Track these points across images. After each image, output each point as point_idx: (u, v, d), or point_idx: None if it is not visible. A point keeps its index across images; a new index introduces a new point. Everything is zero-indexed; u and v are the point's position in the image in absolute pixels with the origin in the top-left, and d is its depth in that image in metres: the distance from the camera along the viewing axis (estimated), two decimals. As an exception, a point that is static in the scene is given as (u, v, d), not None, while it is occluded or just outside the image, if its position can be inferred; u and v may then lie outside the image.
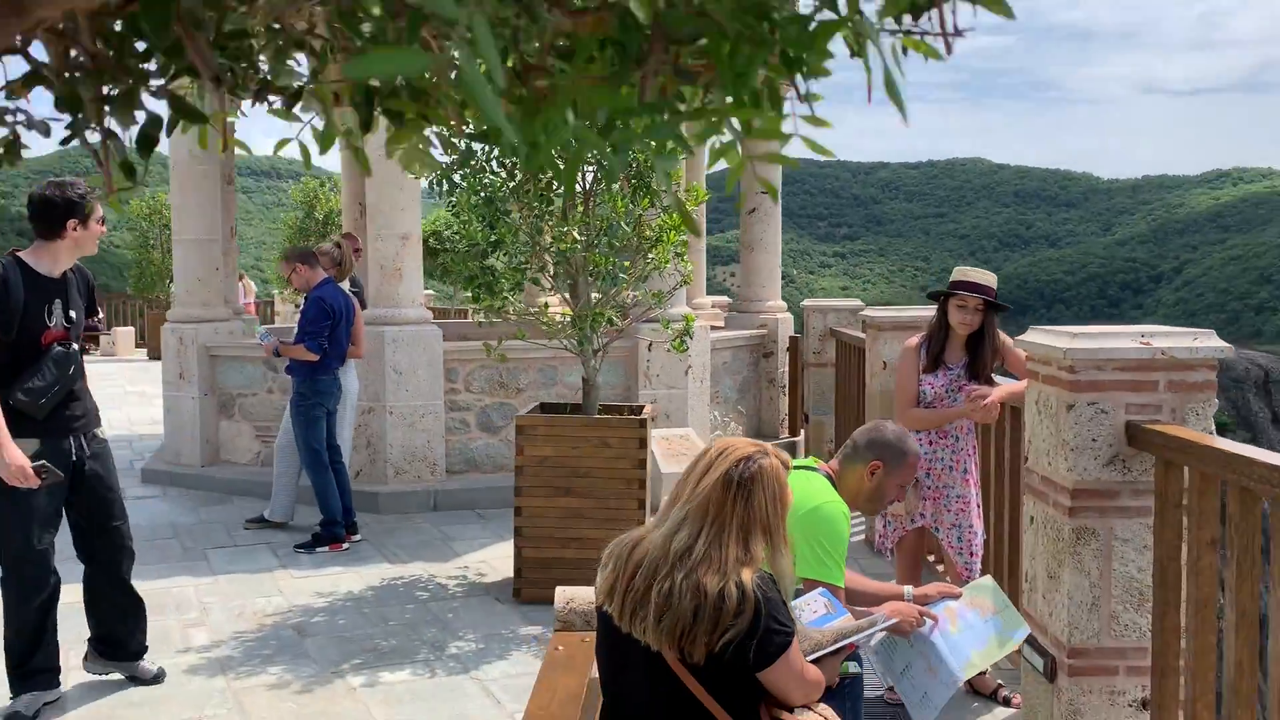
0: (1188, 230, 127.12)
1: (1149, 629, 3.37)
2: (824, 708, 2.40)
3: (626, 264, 5.25)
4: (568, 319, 5.47)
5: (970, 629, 3.04)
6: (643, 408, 5.80)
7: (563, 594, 3.61)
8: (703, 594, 2.18)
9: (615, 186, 5.10)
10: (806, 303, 9.46)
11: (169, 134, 1.03)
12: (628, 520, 5.35)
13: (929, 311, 6.68)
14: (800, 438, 9.55)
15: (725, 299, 13.62)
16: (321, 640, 4.84)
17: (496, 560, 6.18)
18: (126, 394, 13.70)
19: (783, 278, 10.58)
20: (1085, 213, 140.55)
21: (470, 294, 5.25)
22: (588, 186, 5.38)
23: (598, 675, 2.57)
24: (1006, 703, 4.11)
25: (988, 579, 3.18)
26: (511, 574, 5.84)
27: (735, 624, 2.17)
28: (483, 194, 5.10)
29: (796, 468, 3.39)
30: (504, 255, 5.07)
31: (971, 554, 4.19)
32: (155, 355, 15.85)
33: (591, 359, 5.53)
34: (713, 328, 9.13)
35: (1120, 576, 3.40)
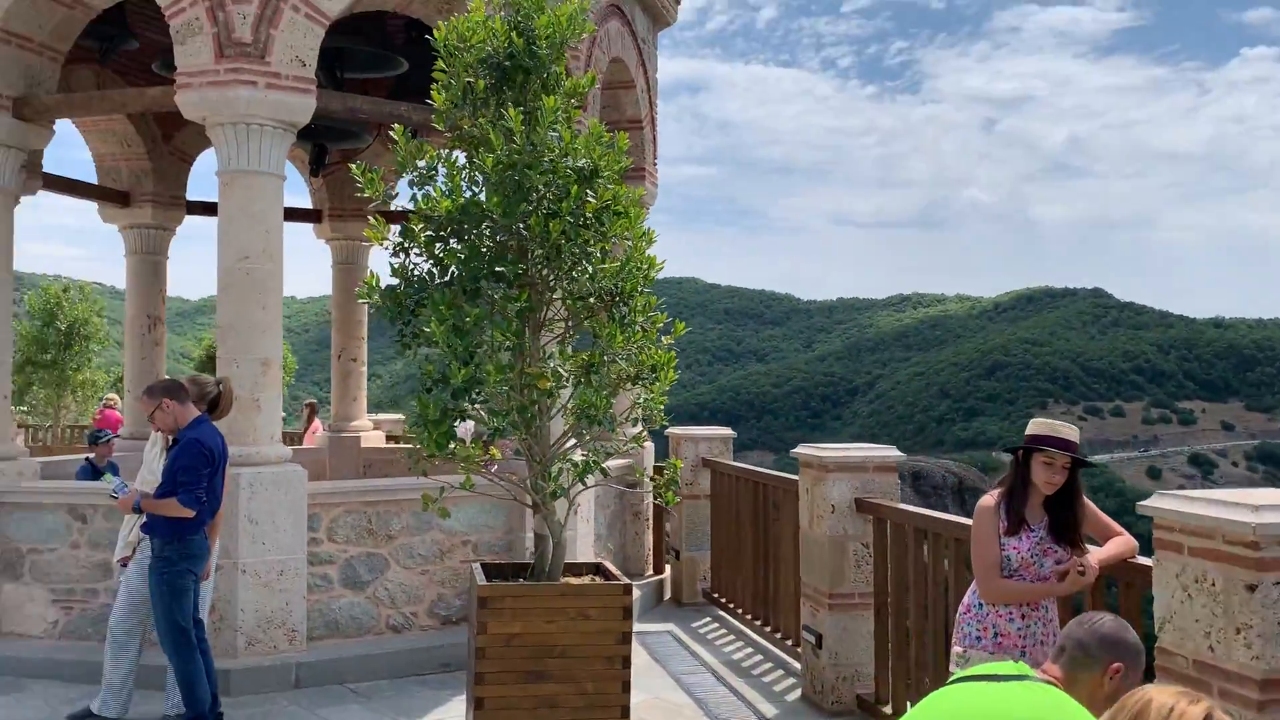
0: (878, 348, 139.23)
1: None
2: None
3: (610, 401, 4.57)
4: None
5: None
6: (600, 565, 5.07)
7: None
8: None
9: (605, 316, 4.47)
10: (673, 430, 9.00)
11: None
12: (610, 707, 4.57)
13: (877, 451, 6.24)
14: (666, 575, 8.97)
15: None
16: None
17: (412, 754, 5.14)
18: None
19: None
20: (788, 330, 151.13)
21: (433, 441, 4.36)
22: (552, 313, 4.71)
23: None
24: None
25: None
26: (442, 773, 4.88)
27: None
28: (450, 322, 4.29)
29: (1010, 677, 2.84)
30: (481, 396, 4.26)
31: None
32: None
33: (555, 513, 4.77)
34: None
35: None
